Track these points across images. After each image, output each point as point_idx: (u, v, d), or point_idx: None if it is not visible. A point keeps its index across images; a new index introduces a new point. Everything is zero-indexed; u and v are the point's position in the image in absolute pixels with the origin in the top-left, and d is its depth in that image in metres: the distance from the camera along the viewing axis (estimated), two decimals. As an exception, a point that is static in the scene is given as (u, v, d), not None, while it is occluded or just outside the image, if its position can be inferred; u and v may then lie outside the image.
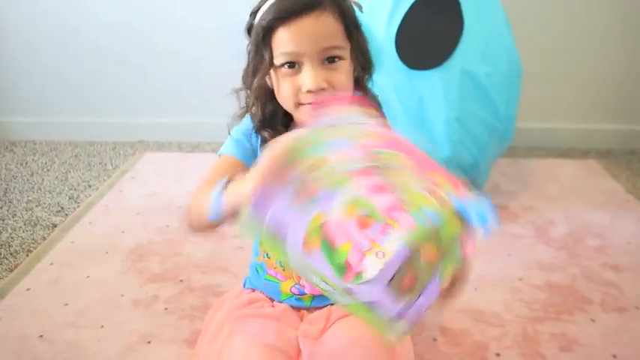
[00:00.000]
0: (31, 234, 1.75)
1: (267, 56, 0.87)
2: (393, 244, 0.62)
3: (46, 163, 2.34)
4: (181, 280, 1.49)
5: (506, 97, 1.68)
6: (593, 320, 1.33)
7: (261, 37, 0.86)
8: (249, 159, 0.95)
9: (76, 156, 2.41)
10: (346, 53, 0.89)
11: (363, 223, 0.63)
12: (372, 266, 0.62)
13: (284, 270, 1.00)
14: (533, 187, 2.03)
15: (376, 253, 0.62)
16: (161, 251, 1.63)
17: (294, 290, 1.00)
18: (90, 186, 2.11)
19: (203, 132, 2.54)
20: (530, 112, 2.24)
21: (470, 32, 1.58)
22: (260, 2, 0.90)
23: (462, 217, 0.64)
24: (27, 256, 1.62)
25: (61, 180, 2.16)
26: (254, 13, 0.90)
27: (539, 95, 2.35)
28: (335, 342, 0.92)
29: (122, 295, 1.43)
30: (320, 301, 1.00)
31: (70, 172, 2.25)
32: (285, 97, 0.88)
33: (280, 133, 0.93)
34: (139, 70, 2.49)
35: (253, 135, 0.96)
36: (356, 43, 0.91)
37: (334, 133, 0.65)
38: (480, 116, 1.63)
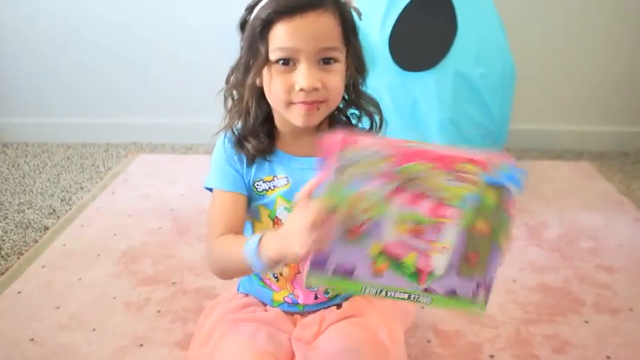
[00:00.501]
0: (22, 236, 1.73)
1: (262, 50, 0.85)
2: (450, 236, 0.71)
3: (38, 165, 2.33)
4: (174, 283, 1.48)
5: (500, 99, 1.69)
6: (586, 322, 1.33)
7: (259, 30, 0.85)
8: (242, 187, 0.94)
9: (68, 158, 2.40)
10: (342, 56, 0.88)
11: (417, 231, 0.71)
12: (440, 262, 0.72)
13: (278, 281, 1.00)
14: (527, 188, 1.99)
15: (439, 250, 0.71)
16: (154, 253, 1.62)
17: (288, 300, 1.00)
18: (82, 188, 2.10)
19: (197, 134, 2.53)
20: (523, 113, 2.24)
21: (464, 34, 1.58)
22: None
23: (497, 187, 0.73)
24: (18, 258, 1.61)
25: (53, 182, 2.15)
26: (250, 8, 0.89)
27: (532, 97, 2.35)
28: (329, 346, 0.91)
29: (114, 298, 1.42)
30: (312, 307, 1.00)
31: (62, 174, 2.23)
32: (276, 94, 0.86)
33: (263, 143, 0.92)
34: (133, 71, 2.48)
35: (235, 158, 0.94)
36: (352, 47, 0.90)
37: (354, 172, 0.68)
38: (473, 118, 1.64)
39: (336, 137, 0.68)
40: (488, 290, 0.75)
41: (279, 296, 1.00)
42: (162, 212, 1.87)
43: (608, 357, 1.22)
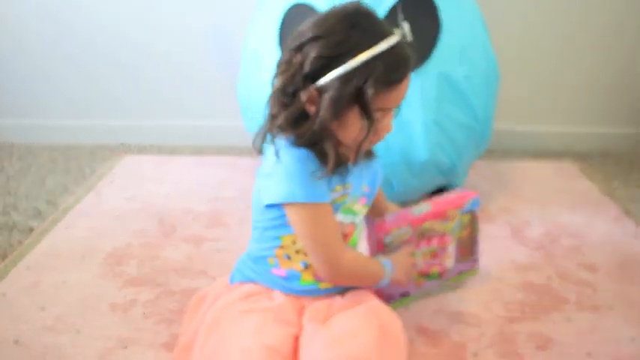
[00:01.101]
0: (7, 238, 1.73)
1: (363, 110, 0.91)
2: (450, 248, 1.30)
3: (23, 167, 2.31)
4: (160, 284, 1.48)
5: (484, 100, 1.70)
6: (568, 319, 1.34)
7: (364, 96, 0.90)
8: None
9: (53, 160, 2.39)
10: None
11: (434, 255, 1.28)
12: (449, 263, 1.31)
13: (306, 269, 1.06)
14: (510, 188, 2.06)
15: (448, 257, 1.30)
16: (139, 255, 1.62)
17: (317, 278, 1.06)
18: (68, 190, 2.09)
19: (183, 135, 2.53)
20: (506, 114, 2.27)
21: (447, 35, 1.60)
22: (329, 47, 0.90)
23: (468, 212, 1.29)
24: (3, 260, 1.60)
25: (39, 184, 2.14)
26: (327, 62, 0.90)
27: (515, 98, 2.38)
28: (338, 326, 0.97)
29: (100, 300, 1.42)
30: (329, 290, 1.08)
31: (47, 176, 2.22)
32: (362, 137, 0.94)
33: (336, 154, 0.95)
34: (121, 73, 2.47)
35: (318, 169, 0.95)
36: None
37: (397, 242, 1.22)
38: (457, 119, 1.65)
39: (381, 224, 1.17)
40: (477, 262, 1.38)
41: (308, 276, 1.06)
42: (149, 214, 1.86)
43: (588, 354, 1.23)
